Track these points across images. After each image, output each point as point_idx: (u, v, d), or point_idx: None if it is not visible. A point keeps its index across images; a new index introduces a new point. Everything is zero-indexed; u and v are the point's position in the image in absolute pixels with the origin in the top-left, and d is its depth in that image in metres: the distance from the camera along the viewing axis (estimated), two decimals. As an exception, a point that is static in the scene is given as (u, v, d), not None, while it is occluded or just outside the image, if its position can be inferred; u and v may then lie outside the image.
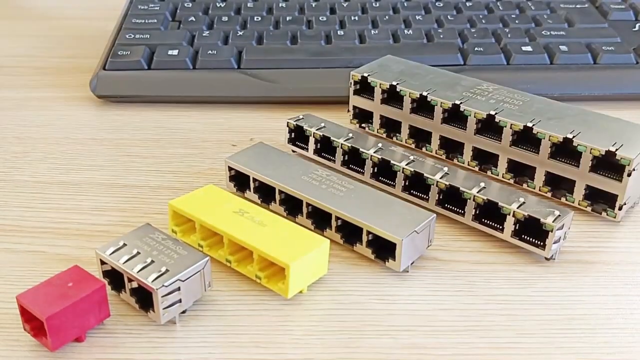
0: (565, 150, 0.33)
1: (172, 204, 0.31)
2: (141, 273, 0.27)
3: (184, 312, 0.28)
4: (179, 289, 0.27)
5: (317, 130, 0.36)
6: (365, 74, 0.38)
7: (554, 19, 0.49)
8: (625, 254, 0.32)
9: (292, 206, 0.33)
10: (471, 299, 0.29)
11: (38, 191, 0.36)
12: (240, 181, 0.35)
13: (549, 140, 0.33)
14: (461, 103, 0.35)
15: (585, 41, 0.46)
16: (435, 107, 0.36)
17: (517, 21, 0.49)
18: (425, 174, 0.33)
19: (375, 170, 0.35)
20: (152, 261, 0.27)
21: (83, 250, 0.32)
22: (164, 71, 0.44)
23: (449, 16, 0.50)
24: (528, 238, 0.31)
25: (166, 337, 0.27)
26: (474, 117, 0.35)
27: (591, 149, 0.32)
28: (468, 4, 0.52)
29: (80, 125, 0.42)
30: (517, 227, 0.31)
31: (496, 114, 0.34)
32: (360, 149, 0.35)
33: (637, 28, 0.49)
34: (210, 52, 0.45)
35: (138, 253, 0.28)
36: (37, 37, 0.55)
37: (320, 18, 0.50)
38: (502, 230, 0.31)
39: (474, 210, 0.32)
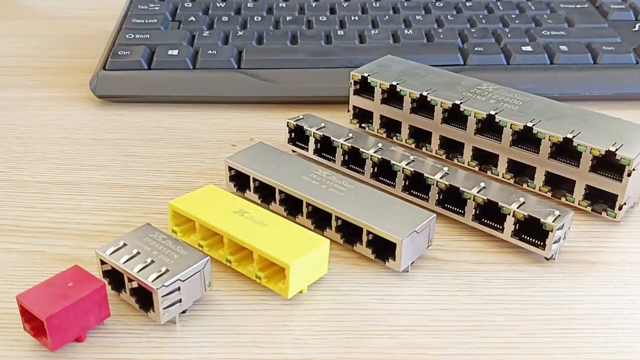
0: (565, 150, 0.33)
1: (172, 203, 0.31)
2: (141, 273, 0.27)
3: (184, 312, 0.28)
4: (179, 288, 0.27)
5: (317, 130, 0.36)
6: (365, 74, 0.38)
7: (554, 19, 0.49)
8: (626, 254, 0.32)
9: (292, 206, 0.33)
10: (471, 298, 0.29)
11: (38, 191, 0.36)
12: (240, 181, 0.35)
13: (549, 140, 0.33)
14: (461, 103, 0.35)
15: (585, 41, 0.46)
16: (435, 107, 0.36)
17: (517, 21, 0.49)
18: (425, 174, 0.33)
19: (375, 170, 0.35)
20: (152, 261, 0.27)
21: (83, 250, 0.32)
22: (164, 71, 0.44)
23: (449, 16, 0.50)
24: (528, 238, 0.31)
25: (166, 337, 0.27)
26: (474, 117, 0.35)
27: (591, 148, 0.32)
28: (468, 4, 0.52)
29: (80, 125, 0.42)
30: (517, 227, 0.31)
31: (496, 113, 0.34)
32: (360, 149, 0.35)
33: (637, 28, 0.49)
34: (210, 52, 0.45)
35: (138, 253, 0.28)
36: (37, 37, 0.55)
37: (320, 18, 0.50)
38: (502, 230, 0.31)
39: (474, 210, 0.32)
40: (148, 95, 0.44)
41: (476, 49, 0.45)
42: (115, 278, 0.28)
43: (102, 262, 0.28)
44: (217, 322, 0.28)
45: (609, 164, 0.32)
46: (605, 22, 0.49)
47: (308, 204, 0.32)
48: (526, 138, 0.34)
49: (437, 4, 0.52)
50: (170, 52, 0.45)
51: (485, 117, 0.34)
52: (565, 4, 0.52)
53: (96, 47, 0.51)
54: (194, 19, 0.49)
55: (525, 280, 0.30)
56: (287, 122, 0.37)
